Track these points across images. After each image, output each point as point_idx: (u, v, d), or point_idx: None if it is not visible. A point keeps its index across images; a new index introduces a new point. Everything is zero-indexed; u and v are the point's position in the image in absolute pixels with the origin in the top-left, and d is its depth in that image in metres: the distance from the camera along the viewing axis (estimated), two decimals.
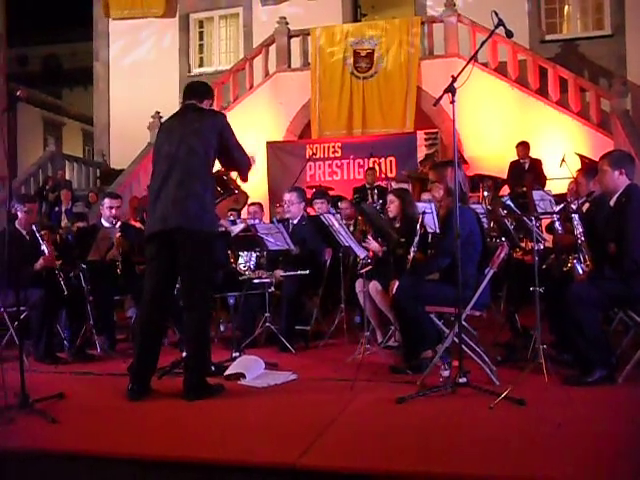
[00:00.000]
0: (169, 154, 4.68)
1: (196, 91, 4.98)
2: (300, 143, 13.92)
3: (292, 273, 6.25)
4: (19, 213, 6.38)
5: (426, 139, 12.84)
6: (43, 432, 3.88)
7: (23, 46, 32.08)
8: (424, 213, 5.14)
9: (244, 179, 5.15)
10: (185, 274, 4.68)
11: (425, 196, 8.01)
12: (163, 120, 5.11)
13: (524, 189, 8.82)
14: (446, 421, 3.84)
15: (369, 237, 5.90)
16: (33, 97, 24.98)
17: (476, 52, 4.88)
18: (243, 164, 4.96)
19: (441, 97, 4.49)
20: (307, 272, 6.20)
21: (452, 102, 4.36)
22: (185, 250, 4.59)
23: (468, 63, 4.42)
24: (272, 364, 5.37)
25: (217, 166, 4.97)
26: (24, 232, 6.46)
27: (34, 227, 6.45)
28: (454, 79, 4.39)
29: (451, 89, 4.38)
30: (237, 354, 5.51)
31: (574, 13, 15.43)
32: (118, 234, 6.66)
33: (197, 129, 4.70)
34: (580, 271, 4.89)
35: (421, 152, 12.54)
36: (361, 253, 5.55)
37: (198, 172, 4.63)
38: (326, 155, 13.20)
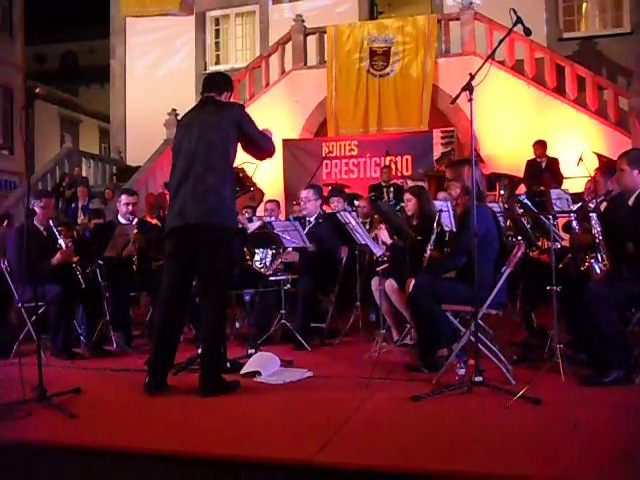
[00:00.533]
0: (188, 150, 4.68)
1: (215, 83, 4.96)
2: (316, 141, 13.94)
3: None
4: (36, 209, 6.42)
5: (442, 137, 12.84)
6: (60, 426, 3.91)
7: (41, 44, 32.27)
8: (441, 211, 5.12)
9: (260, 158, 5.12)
10: (203, 270, 4.67)
11: (441, 195, 7.99)
12: (182, 115, 5.08)
13: (541, 188, 8.77)
14: (462, 419, 3.83)
15: (381, 226, 5.87)
16: (50, 94, 25.13)
17: (494, 50, 4.84)
18: (267, 150, 4.95)
19: (459, 95, 4.47)
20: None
21: (470, 100, 4.34)
22: (204, 246, 4.60)
23: (486, 61, 4.41)
24: (287, 361, 5.37)
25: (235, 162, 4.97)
26: (41, 227, 6.50)
27: (51, 222, 6.49)
28: (472, 77, 4.37)
29: (469, 87, 4.36)
30: (253, 351, 5.53)
31: (592, 10, 15.35)
32: (135, 230, 6.69)
33: (215, 123, 4.69)
34: (597, 271, 4.86)
35: (437, 150, 12.53)
36: (378, 251, 5.54)
37: (217, 167, 4.63)
38: (342, 153, 13.22)
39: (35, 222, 6.43)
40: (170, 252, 4.79)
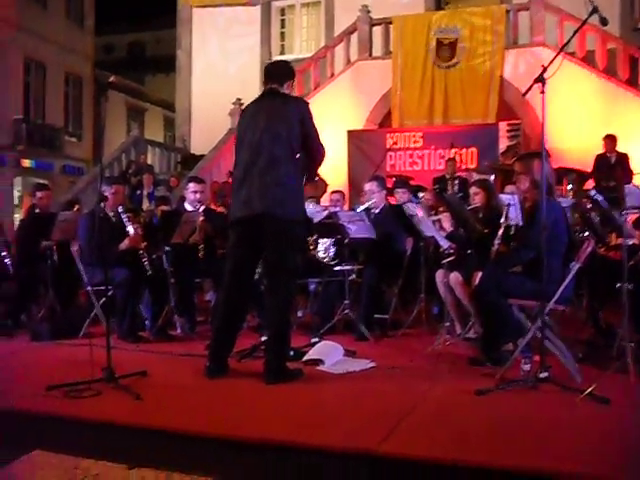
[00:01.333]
0: (252, 141, 4.71)
1: (277, 74, 4.95)
2: (380, 132, 13.91)
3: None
4: (107, 195, 6.56)
5: (508, 130, 12.66)
6: (127, 406, 4.02)
7: (109, 34, 32.95)
8: (509, 205, 5.05)
9: (310, 176, 5.12)
10: (268, 260, 4.74)
11: (508, 188, 7.88)
12: (245, 105, 5.10)
13: (612, 183, 8.58)
14: (526, 416, 3.78)
15: (445, 213, 5.84)
16: (120, 83, 25.66)
17: (568, 41, 4.75)
18: (317, 155, 4.92)
19: (531, 87, 4.39)
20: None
21: (542, 92, 4.26)
22: (269, 236, 4.64)
23: (559, 53, 4.33)
24: (350, 351, 5.39)
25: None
26: (111, 213, 6.65)
27: (120, 208, 6.64)
28: (544, 69, 4.29)
29: (541, 79, 4.28)
30: (316, 340, 5.57)
31: None
32: (201, 218, 6.78)
33: (281, 115, 4.70)
34: None
35: (502, 143, 12.36)
36: (444, 243, 5.51)
37: (282, 159, 4.64)
38: (407, 145, 13.15)
39: (105, 208, 6.58)
40: (234, 242, 4.86)
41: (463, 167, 11.30)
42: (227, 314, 4.84)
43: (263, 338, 5.64)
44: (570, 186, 9.02)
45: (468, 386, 4.24)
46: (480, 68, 13.50)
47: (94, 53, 27.40)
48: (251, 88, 14.09)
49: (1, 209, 20.07)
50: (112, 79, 4.47)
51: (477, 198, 5.85)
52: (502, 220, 5.00)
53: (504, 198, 5.77)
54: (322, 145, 4.91)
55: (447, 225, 5.82)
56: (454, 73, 13.69)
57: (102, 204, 6.33)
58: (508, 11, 13.80)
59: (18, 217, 21.18)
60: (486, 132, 12.64)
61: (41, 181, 17.92)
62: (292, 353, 5.12)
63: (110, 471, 3.41)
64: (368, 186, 6.87)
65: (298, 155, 4.77)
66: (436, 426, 3.60)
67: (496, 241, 5.01)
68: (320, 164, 5.04)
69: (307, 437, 3.43)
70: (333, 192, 8.25)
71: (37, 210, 8.11)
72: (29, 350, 6.09)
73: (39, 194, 8.08)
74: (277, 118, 4.70)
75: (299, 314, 7.46)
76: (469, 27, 13.65)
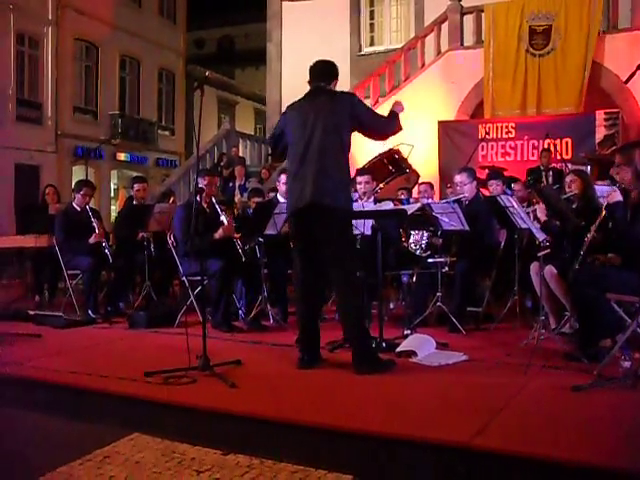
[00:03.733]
0: (303, 136, 4.79)
1: (324, 73, 5.08)
2: (472, 123, 13.71)
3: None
4: (201, 186, 6.71)
5: (605, 119, 12.21)
6: (222, 394, 4.12)
7: (200, 29, 33.62)
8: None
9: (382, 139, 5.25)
10: (324, 252, 4.76)
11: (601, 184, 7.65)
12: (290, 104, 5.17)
13: None
14: (624, 415, 3.67)
15: (540, 204, 5.72)
16: (212, 78, 26.17)
17: None
18: (387, 132, 5.09)
19: (634, 74, 4.26)
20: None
21: None
22: (320, 228, 4.70)
23: None
24: (443, 344, 5.36)
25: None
26: (205, 205, 6.80)
27: (214, 199, 6.78)
28: None
29: None
30: (409, 332, 5.55)
31: None
32: None
33: (330, 110, 4.81)
34: None
35: (599, 133, 11.97)
36: (540, 236, 5.38)
37: (331, 151, 4.74)
38: (499, 135, 12.94)
39: (198, 199, 6.71)
40: (293, 234, 5.01)
41: (558, 158, 11.00)
42: (304, 307, 4.91)
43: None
44: None
45: (564, 382, 4.15)
46: (575, 55, 13.08)
47: (186, 49, 28.04)
48: (341, 80, 13.87)
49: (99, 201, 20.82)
50: (208, 74, 4.57)
51: (573, 186, 5.68)
52: (603, 210, 4.80)
53: (602, 189, 5.60)
54: (387, 119, 5.02)
55: (542, 216, 5.68)
56: (548, 61, 13.32)
57: (198, 196, 6.47)
58: None
59: (114, 209, 21.95)
60: (582, 122, 12.29)
61: (137, 174, 18.50)
62: (384, 344, 5.15)
63: (206, 456, 3.48)
64: (459, 177, 6.78)
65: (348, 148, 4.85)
66: (531, 422, 3.54)
67: (592, 228, 4.84)
68: (398, 127, 5.08)
69: (400, 428, 3.43)
70: (421, 183, 8.19)
71: (134, 202, 8.37)
72: (127, 337, 6.30)
73: (137, 186, 8.35)
74: (327, 112, 4.80)
75: (391, 306, 7.45)
76: (564, 12, 13.23)
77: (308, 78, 5.09)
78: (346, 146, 4.83)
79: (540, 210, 5.71)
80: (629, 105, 12.00)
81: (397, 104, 5.15)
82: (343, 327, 4.88)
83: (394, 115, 5.08)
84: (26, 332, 6.27)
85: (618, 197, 4.71)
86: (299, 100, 5.07)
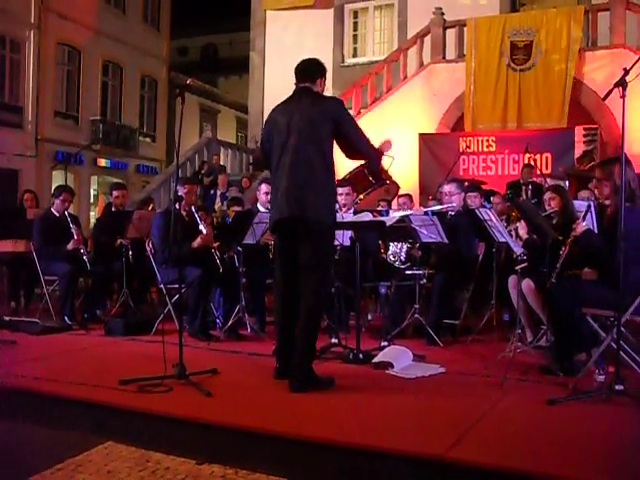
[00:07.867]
0: (282, 143, 4.59)
1: (307, 72, 4.82)
2: (453, 136, 13.80)
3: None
4: (181, 194, 6.68)
5: (584, 135, 12.36)
6: (198, 403, 4.09)
7: (184, 37, 33.60)
8: (589, 210, 4.88)
9: (375, 176, 5.07)
10: (300, 261, 4.59)
11: (583, 194, 7.73)
12: (275, 106, 4.92)
13: None
14: (599, 429, 3.69)
15: (521, 222, 5.76)
16: (194, 85, 26.18)
17: None
18: (367, 154, 4.81)
19: (611, 91, 4.28)
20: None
21: (622, 97, 4.15)
22: (300, 239, 4.56)
23: None
24: (420, 356, 5.36)
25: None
26: (184, 213, 6.78)
27: (193, 208, 6.76)
28: (626, 72, 4.18)
29: (622, 83, 4.17)
30: (386, 343, 5.56)
31: None
32: None
33: (311, 116, 4.55)
34: None
35: (579, 149, 12.11)
36: (517, 249, 5.42)
37: (311, 160, 4.51)
38: (480, 149, 13.05)
39: (177, 207, 6.69)
40: (276, 245, 4.91)
41: (538, 172, 11.08)
42: (283, 318, 4.76)
43: (333, 340, 5.68)
44: None
45: (539, 395, 4.18)
46: (556, 71, 13.22)
47: (169, 56, 28.02)
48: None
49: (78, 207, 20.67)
50: (189, 81, 4.56)
51: (553, 203, 5.73)
52: (582, 222, 4.81)
53: (577, 204, 5.66)
54: (371, 144, 4.76)
55: (523, 233, 5.72)
56: (528, 76, 13.45)
57: (177, 204, 6.44)
58: (587, 11, 13.45)
59: (94, 215, 21.83)
60: (561, 137, 12.41)
61: (117, 180, 18.42)
62: (361, 356, 5.15)
63: (180, 465, 3.46)
64: (447, 187, 6.80)
65: (330, 157, 4.61)
66: (506, 434, 3.55)
67: (567, 242, 4.86)
68: (379, 162, 4.96)
69: (376, 440, 3.42)
70: (401, 196, 8.20)
71: (113, 208, 8.32)
72: (103, 344, 6.24)
73: (115, 193, 8.31)
74: (308, 120, 4.55)
75: (369, 317, 7.45)
76: (545, 28, 13.38)
77: (294, 80, 4.89)
78: (328, 154, 4.58)
79: (522, 227, 5.75)
80: (607, 122, 12.11)
81: (387, 142, 4.99)
82: (296, 334, 4.62)
83: (380, 151, 4.94)
84: (1, 338, 6.20)
85: (583, 227, 4.75)
86: (281, 103, 4.86)
